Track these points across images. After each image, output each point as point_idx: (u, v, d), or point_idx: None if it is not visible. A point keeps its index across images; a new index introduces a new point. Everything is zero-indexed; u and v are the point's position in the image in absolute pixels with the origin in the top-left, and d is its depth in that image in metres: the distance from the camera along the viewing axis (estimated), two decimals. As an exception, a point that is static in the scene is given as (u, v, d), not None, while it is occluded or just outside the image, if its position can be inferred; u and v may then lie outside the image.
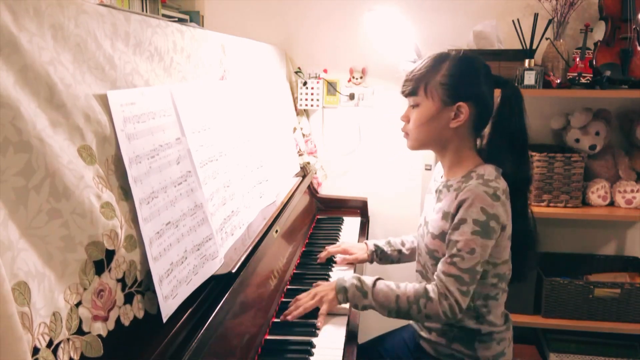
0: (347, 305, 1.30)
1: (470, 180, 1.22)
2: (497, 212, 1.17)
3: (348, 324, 1.29)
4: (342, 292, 1.27)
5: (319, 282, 1.35)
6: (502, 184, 1.21)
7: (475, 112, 1.25)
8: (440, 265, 1.21)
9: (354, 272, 1.57)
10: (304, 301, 1.28)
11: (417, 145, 1.32)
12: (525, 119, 1.28)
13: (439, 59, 1.27)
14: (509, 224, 1.23)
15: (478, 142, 1.32)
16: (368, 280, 1.27)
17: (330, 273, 1.57)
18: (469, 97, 1.23)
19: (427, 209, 1.38)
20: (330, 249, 1.65)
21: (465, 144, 1.29)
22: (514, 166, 1.26)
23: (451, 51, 1.31)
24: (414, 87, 1.28)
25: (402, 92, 1.32)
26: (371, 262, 1.62)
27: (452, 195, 1.25)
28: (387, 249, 1.59)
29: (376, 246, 1.60)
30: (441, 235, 1.25)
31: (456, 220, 1.19)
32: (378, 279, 1.28)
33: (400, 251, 1.59)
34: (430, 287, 1.21)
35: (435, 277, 1.22)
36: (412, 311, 1.22)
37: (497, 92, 1.30)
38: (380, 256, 1.60)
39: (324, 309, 1.26)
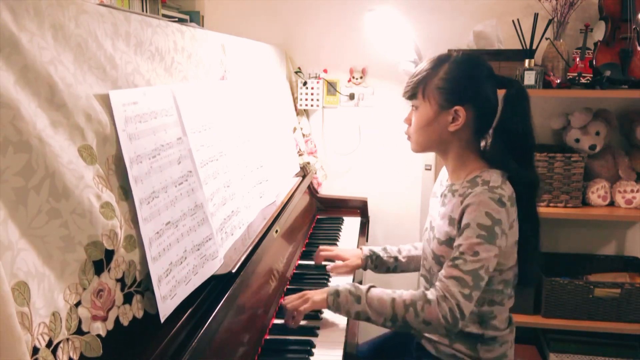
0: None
1: (475, 187, 1.19)
2: (502, 218, 1.15)
3: (348, 324, 1.28)
4: (334, 294, 1.22)
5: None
6: (508, 191, 1.19)
7: (475, 114, 1.23)
8: (442, 270, 1.18)
9: (354, 278, 1.54)
10: (290, 299, 1.25)
11: (419, 148, 1.32)
12: (530, 121, 1.25)
13: (438, 62, 1.26)
14: (513, 230, 1.21)
15: (482, 143, 1.30)
16: (363, 286, 1.24)
17: (331, 273, 1.56)
18: (467, 100, 1.22)
19: (432, 213, 1.37)
20: (323, 252, 1.61)
21: (468, 147, 1.27)
22: (518, 169, 1.23)
23: (453, 52, 1.29)
24: (413, 90, 1.27)
25: (403, 95, 1.32)
26: (365, 268, 1.57)
27: (456, 200, 1.22)
28: (382, 254, 1.55)
29: (371, 251, 1.55)
30: (447, 241, 1.23)
31: (461, 226, 1.17)
32: (372, 285, 1.24)
33: (396, 258, 1.54)
34: (430, 290, 1.17)
35: (436, 282, 1.18)
36: (409, 316, 1.15)
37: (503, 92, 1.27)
38: (375, 262, 1.55)
39: (305, 306, 1.22)
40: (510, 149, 1.24)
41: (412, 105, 1.30)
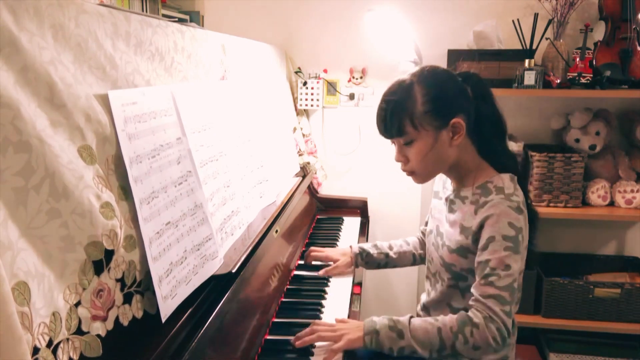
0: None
1: (490, 195, 1.18)
2: (522, 225, 1.15)
3: (348, 324, 1.28)
4: (372, 334, 1.13)
5: (344, 320, 1.22)
6: (521, 195, 1.18)
7: (466, 119, 1.21)
8: (475, 290, 1.15)
9: (353, 277, 1.54)
10: (323, 329, 1.16)
11: (429, 177, 1.28)
12: (495, 102, 1.24)
13: (406, 89, 1.20)
14: (527, 234, 1.20)
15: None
16: (402, 318, 1.16)
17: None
18: (457, 110, 1.20)
19: (438, 216, 1.34)
20: (313, 252, 1.60)
21: (469, 153, 1.25)
22: (506, 152, 1.24)
23: (402, 78, 1.23)
24: (398, 127, 1.20)
25: (387, 136, 1.25)
26: (356, 265, 1.55)
27: (469, 208, 1.21)
28: (373, 251, 1.53)
29: (361, 249, 1.54)
30: (459, 250, 1.22)
31: (484, 239, 1.15)
32: (411, 316, 1.18)
33: (387, 255, 1.53)
34: (472, 313, 1.12)
35: (472, 303, 1.14)
36: (458, 343, 1.11)
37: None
38: (365, 259, 1.54)
39: (339, 345, 1.12)
40: (494, 135, 1.24)
41: (402, 142, 1.23)
